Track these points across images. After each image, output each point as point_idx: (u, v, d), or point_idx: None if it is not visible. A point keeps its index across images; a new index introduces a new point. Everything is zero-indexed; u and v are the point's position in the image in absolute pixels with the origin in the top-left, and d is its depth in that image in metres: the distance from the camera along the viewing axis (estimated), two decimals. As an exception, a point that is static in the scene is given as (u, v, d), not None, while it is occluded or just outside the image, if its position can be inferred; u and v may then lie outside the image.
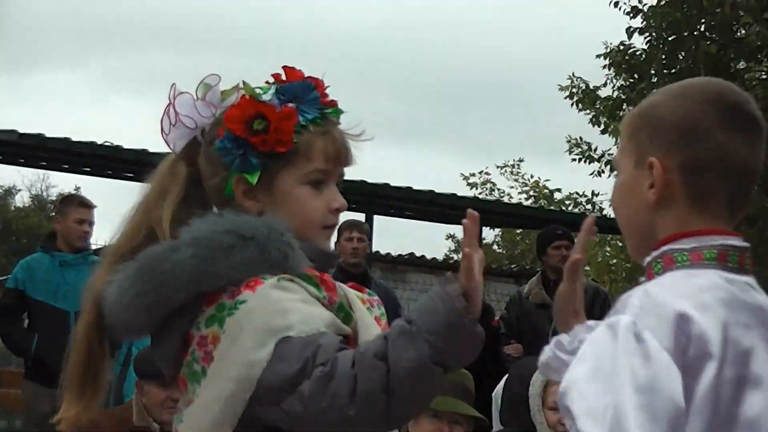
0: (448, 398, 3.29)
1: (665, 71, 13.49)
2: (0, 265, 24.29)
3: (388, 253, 13.48)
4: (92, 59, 52.88)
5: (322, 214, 1.93)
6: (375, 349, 1.69)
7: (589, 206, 22.42)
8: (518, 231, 24.26)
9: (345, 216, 2.05)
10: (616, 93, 14.86)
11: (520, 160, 25.23)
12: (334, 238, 2.17)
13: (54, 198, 30.59)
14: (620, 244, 19.68)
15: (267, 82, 1.95)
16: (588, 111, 15.78)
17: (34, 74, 51.33)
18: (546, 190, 24.24)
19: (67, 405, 1.93)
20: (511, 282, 13.87)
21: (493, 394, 5.20)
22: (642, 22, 13.57)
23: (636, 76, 14.01)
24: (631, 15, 13.71)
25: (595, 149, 17.64)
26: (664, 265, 1.55)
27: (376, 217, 11.30)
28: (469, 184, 24.61)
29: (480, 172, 24.89)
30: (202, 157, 1.95)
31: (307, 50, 42.20)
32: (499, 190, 24.77)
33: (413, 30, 48.04)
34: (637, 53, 13.87)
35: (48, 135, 9.77)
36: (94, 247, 6.22)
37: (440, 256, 17.35)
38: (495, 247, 26.44)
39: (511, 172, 24.90)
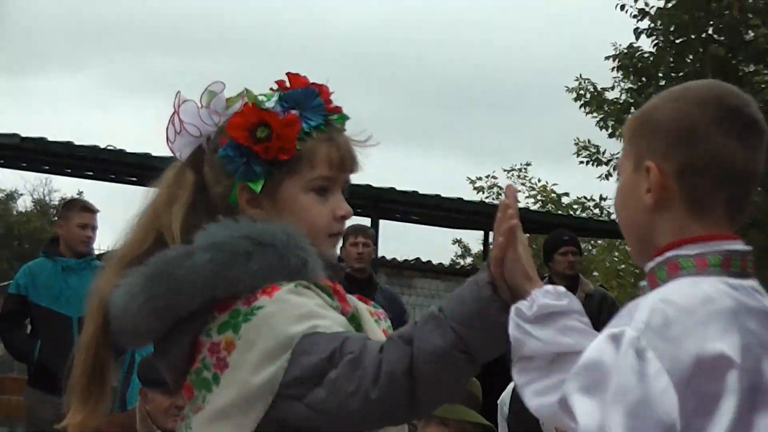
0: (456, 406, 3.28)
1: (673, 74, 13.47)
2: (2, 270, 24.22)
3: (394, 258, 13.47)
4: (94, 61, 52.96)
5: (327, 222, 1.91)
6: (402, 333, 1.70)
7: (596, 210, 22.40)
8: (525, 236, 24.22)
9: (350, 221, 2.04)
10: (623, 96, 14.85)
11: (528, 164, 25.26)
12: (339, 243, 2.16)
13: (56, 202, 30.67)
14: (628, 249, 19.64)
15: (271, 89, 1.94)
16: (595, 114, 15.78)
17: (36, 77, 51.41)
18: (554, 195, 24.22)
19: (74, 411, 1.92)
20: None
21: (498, 401, 5.18)
22: (649, 25, 13.55)
23: (643, 79, 14.00)
24: (639, 18, 13.68)
25: (604, 152, 17.64)
26: (668, 271, 1.53)
27: (381, 222, 11.29)
28: (475, 188, 24.63)
29: (487, 176, 24.93)
30: (207, 165, 1.94)
31: (307, 50, 42.26)
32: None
33: (413, 30, 48.06)
34: (645, 56, 13.84)
35: (50, 139, 9.79)
36: (97, 251, 6.19)
37: (446, 261, 17.36)
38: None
39: (519, 176, 24.93)
